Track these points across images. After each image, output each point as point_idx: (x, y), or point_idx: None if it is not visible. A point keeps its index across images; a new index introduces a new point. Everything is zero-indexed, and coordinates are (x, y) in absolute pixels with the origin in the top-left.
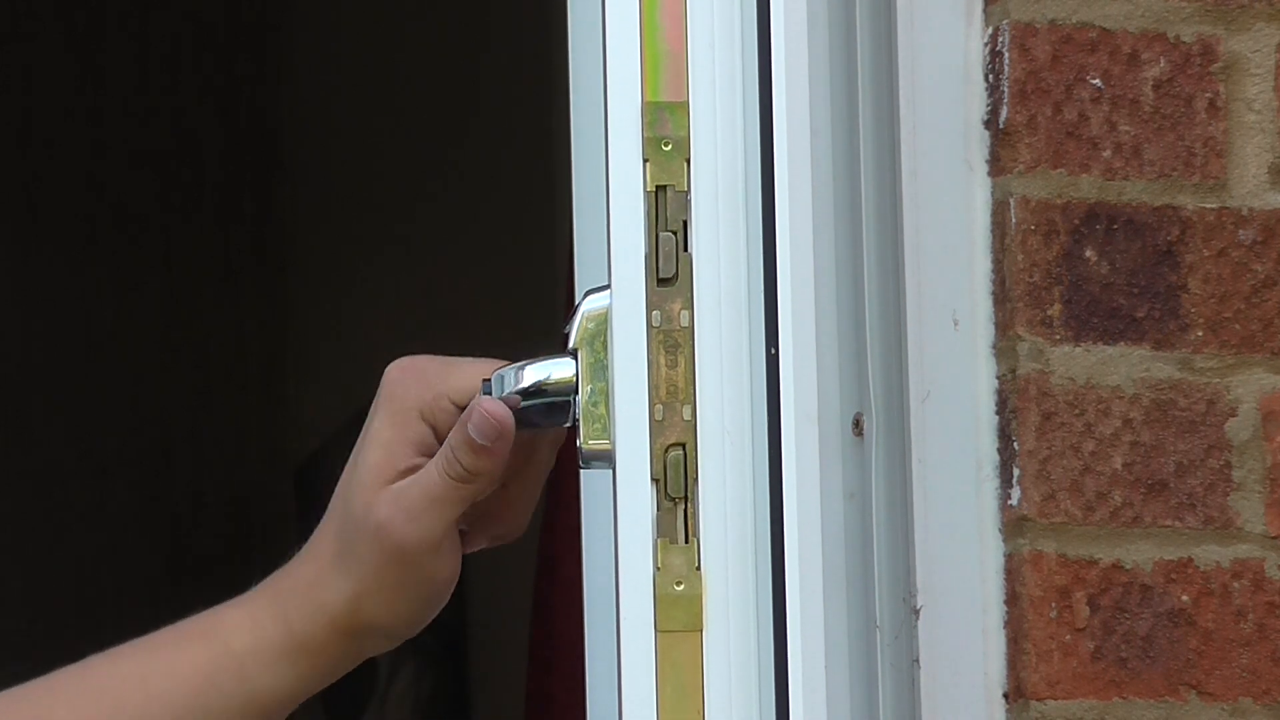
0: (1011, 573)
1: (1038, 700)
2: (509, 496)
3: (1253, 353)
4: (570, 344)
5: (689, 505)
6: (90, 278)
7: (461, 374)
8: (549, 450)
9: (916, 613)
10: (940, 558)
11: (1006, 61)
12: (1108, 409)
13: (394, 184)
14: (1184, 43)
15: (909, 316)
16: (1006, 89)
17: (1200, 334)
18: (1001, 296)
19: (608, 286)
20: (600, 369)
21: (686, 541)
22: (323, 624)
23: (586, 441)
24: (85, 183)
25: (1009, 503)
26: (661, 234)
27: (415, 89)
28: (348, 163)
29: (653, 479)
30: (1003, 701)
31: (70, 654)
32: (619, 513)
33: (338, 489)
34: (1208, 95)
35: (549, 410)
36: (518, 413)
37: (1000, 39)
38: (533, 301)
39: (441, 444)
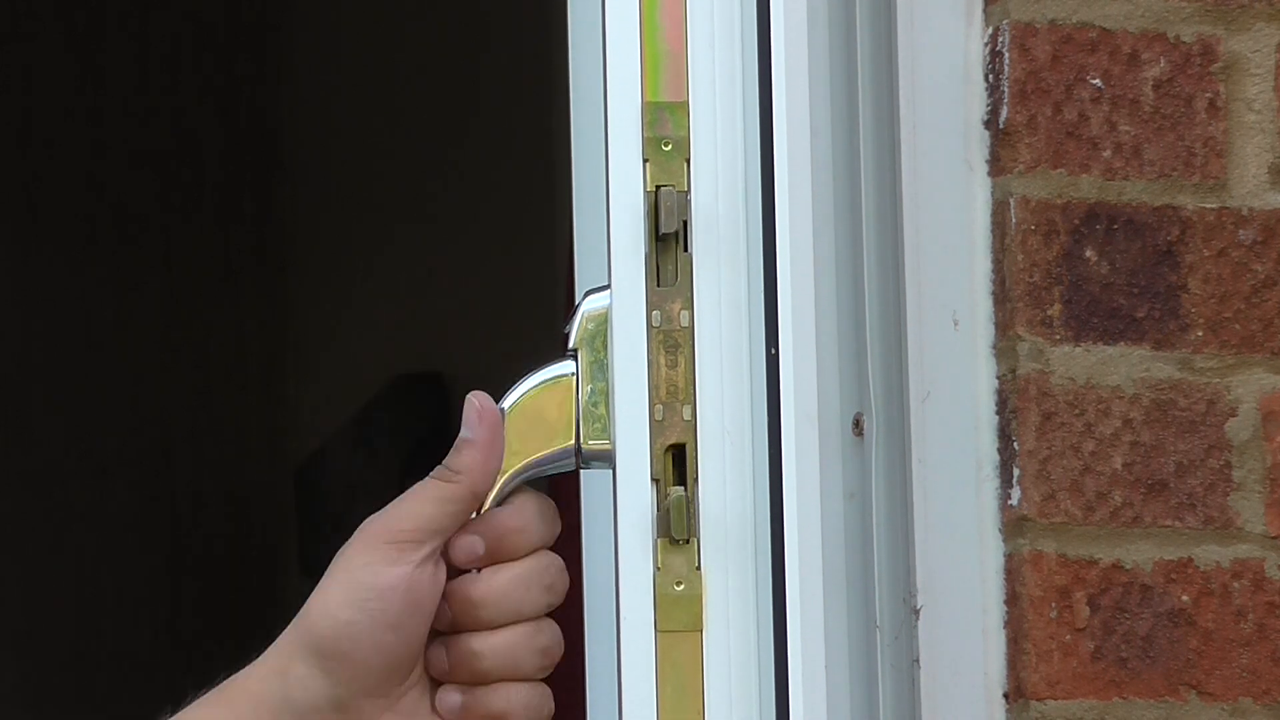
0: (1011, 573)
1: (1038, 700)
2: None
3: (1253, 353)
4: (570, 344)
5: (689, 505)
6: (90, 278)
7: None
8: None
9: (916, 613)
10: (940, 558)
11: (1006, 61)
12: (1108, 409)
13: (394, 184)
14: (1184, 43)
15: (909, 316)
16: (1006, 89)
17: (1200, 334)
18: (1001, 296)
19: (608, 286)
20: (600, 369)
21: (687, 541)
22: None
23: (586, 441)
24: (85, 183)
25: (1009, 503)
26: (661, 234)
27: (415, 89)
28: (348, 163)
29: (653, 479)
30: (1003, 701)
31: (70, 654)
32: (619, 513)
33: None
34: (1208, 95)
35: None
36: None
37: (1000, 39)
38: (533, 301)
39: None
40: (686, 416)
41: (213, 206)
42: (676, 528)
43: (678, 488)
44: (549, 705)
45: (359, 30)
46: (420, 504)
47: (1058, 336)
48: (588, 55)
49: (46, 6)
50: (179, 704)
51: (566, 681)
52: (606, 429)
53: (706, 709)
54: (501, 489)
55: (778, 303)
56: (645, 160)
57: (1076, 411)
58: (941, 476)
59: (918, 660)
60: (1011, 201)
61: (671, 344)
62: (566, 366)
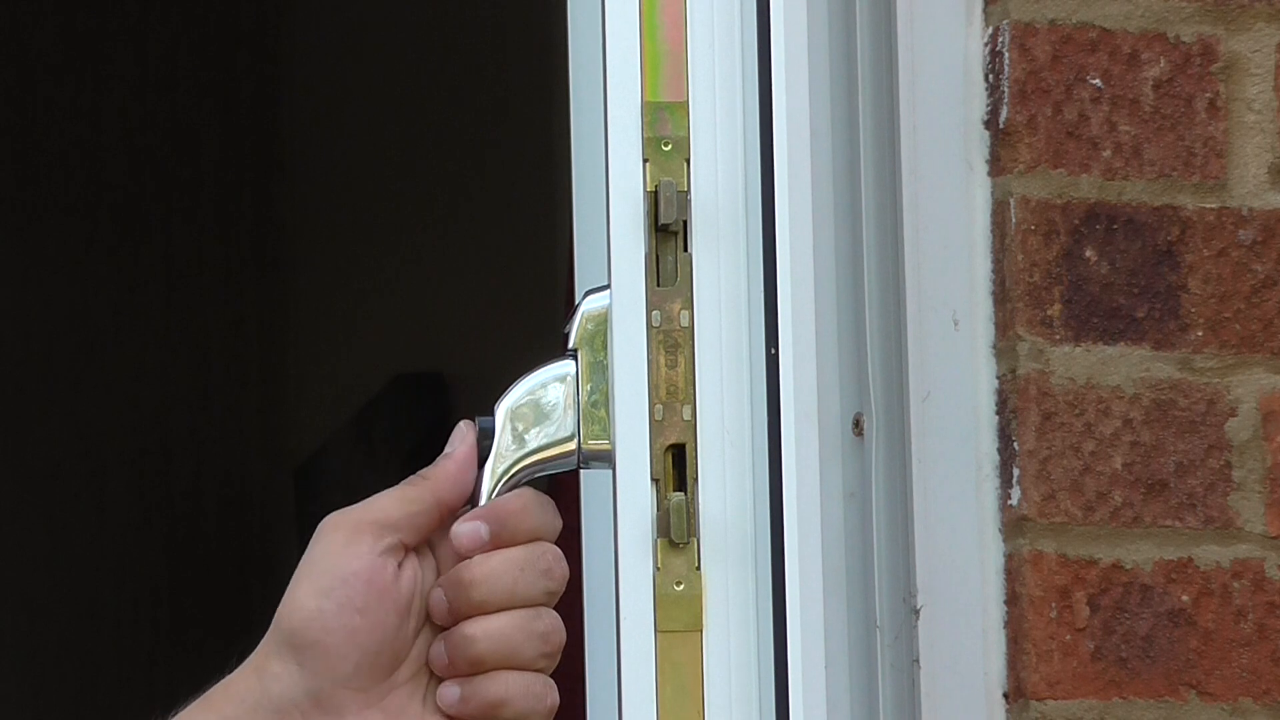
0: (1011, 573)
1: (1038, 700)
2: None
3: (1253, 353)
4: (570, 344)
5: (689, 505)
6: (90, 278)
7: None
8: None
9: (916, 613)
10: (940, 558)
11: (1006, 61)
12: (1108, 409)
13: (394, 184)
14: (1184, 43)
15: (909, 316)
16: (1006, 89)
17: (1200, 334)
18: (1001, 296)
19: (608, 286)
20: (600, 369)
21: (686, 541)
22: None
23: (586, 441)
24: (85, 183)
25: (1009, 503)
26: (661, 234)
27: (415, 89)
28: (348, 163)
29: (653, 479)
30: (1003, 701)
31: (70, 654)
32: (619, 513)
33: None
34: (1208, 95)
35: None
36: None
37: (1000, 39)
38: (533, 301)
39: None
40: (686, 416)
41: (213, 206)
42: (676, 531)
43: (678, 493)
44: (552, 695)
45: (359, 31)
46: (382, 500)
47: (1058, 336)
48: (588, 55)
49: (47, 6)
50: (175, 705)
51: (566, 681)
52: (606, 429)
53: (706, 709)
54: (501, 489)
55: (778, 303)
56: (645, 160)
57: (1076, 411)
58: (941, 476)
59: (918, 660)
60: (1011, 201)
61: (671, 344)
62: (566, 366)
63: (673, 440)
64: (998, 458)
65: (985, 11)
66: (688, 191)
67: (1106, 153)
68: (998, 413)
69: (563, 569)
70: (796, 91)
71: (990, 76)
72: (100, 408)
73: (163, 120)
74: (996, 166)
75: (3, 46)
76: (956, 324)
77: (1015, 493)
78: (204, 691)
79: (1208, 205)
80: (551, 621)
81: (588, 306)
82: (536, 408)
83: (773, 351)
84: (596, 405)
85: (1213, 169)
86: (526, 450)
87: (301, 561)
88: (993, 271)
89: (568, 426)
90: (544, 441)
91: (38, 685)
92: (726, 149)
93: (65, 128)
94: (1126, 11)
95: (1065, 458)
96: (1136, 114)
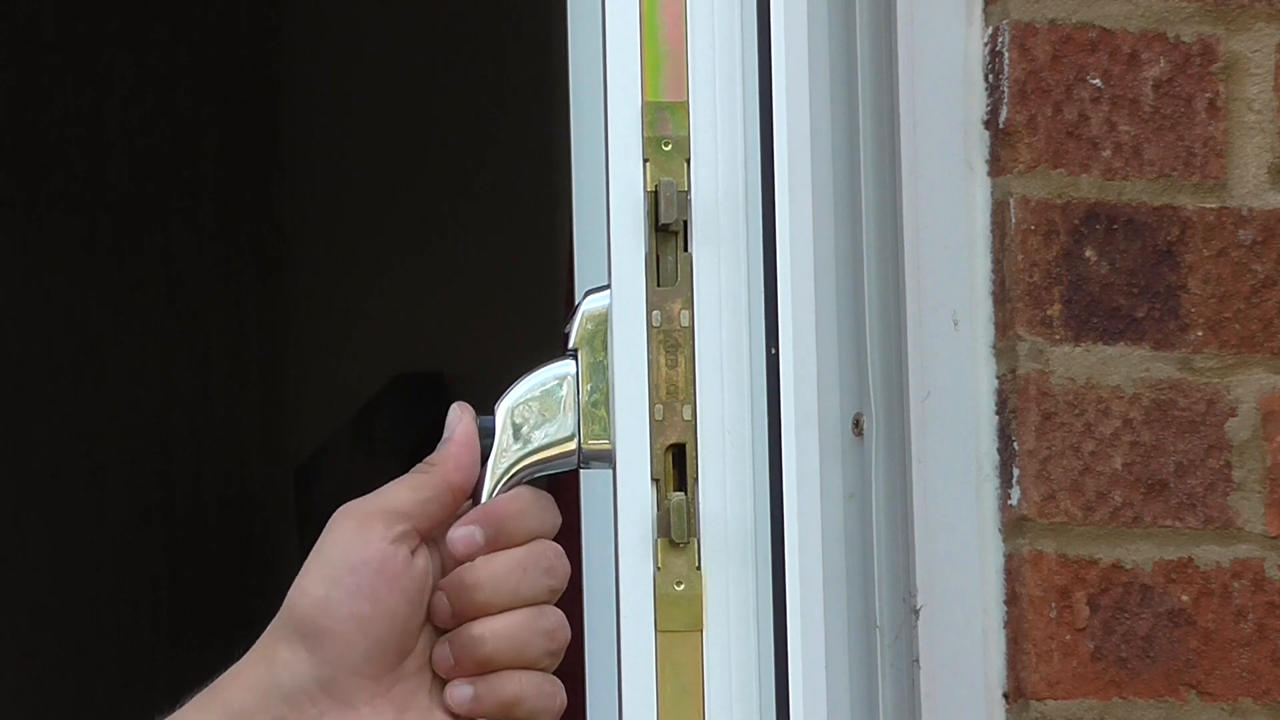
0: (1011, 573)
1: (1038, 700)
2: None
3: (1253, 353)
4: (570, 344)
5: (689, 505)
6: (90, 278)
7: (396, 488)
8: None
9: (916, 613)
10: (940, 558)
11: (1006, 61)
12: (1108, 409)
13: (394, 184)
14: (1184, 43)
15: (909, 316)
16: (1006, 89)
17: (1200, 334)
18: (1001, 296)
19: (608, 286)
20: (600, 369)
21: (687, 541)
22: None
23: (587, 441)
24: (85, 183)
25: (1009, 503)
26: (662, 234)
27: (415, 89)
28: (348, 163)
29: (653, 479)
30: (1003, 701)
31: (70, 654)
32: (619, 513)
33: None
34: (1208, 95)
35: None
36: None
37: (1000, 39)
38: (533, 301)
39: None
40: (686, 416)
41: (213, 206)
42: (677, 531)
43: (678, 493)
44: (561, 695)
45: (358, 31)
46: (393, 489)
47: (1058, 336)
48: (588, 55)
49: (47, 7)
50: (175, 705)
51: (567, 681)
52: (606, 429)
53: (706, 709)
54: (501, 488)
55: (778, 302)
56: (645, 160)
57: (1076, 411)
58: (941, 476)
59: (918, 660)
60: (1011, 201)
61: (671, 344)
62: (566, 366)
63: (673, 440)
64: (998, 458)
65: (985, 11)
66: (688, 191)
67: (1106, 153)
68: (998, 413)
69: (564, 566)
70: (797, 91)
71: (990, 76)
72: (100, 408)
73: (163, 120)
74: (996, 166)
75: (3, 46)
76: (956, 324)
77: (1015, 493)
78: (210, 682)
79: (1208, 205)
80: (556, 619)
81: (588, 306)
82: (537, 408)
83: (773, 351)
84: (597, 405)
85: (1213, 169)
86: (527, 450)
87: (313, 550)
88: (993, 271)
89: (568, 426)
90: (544, 441)
91: (38, 685)
92: (727, 149)
93: (65, 128)
94: (1126, 11)
95: (1065, 458)
96: (1136, 114)
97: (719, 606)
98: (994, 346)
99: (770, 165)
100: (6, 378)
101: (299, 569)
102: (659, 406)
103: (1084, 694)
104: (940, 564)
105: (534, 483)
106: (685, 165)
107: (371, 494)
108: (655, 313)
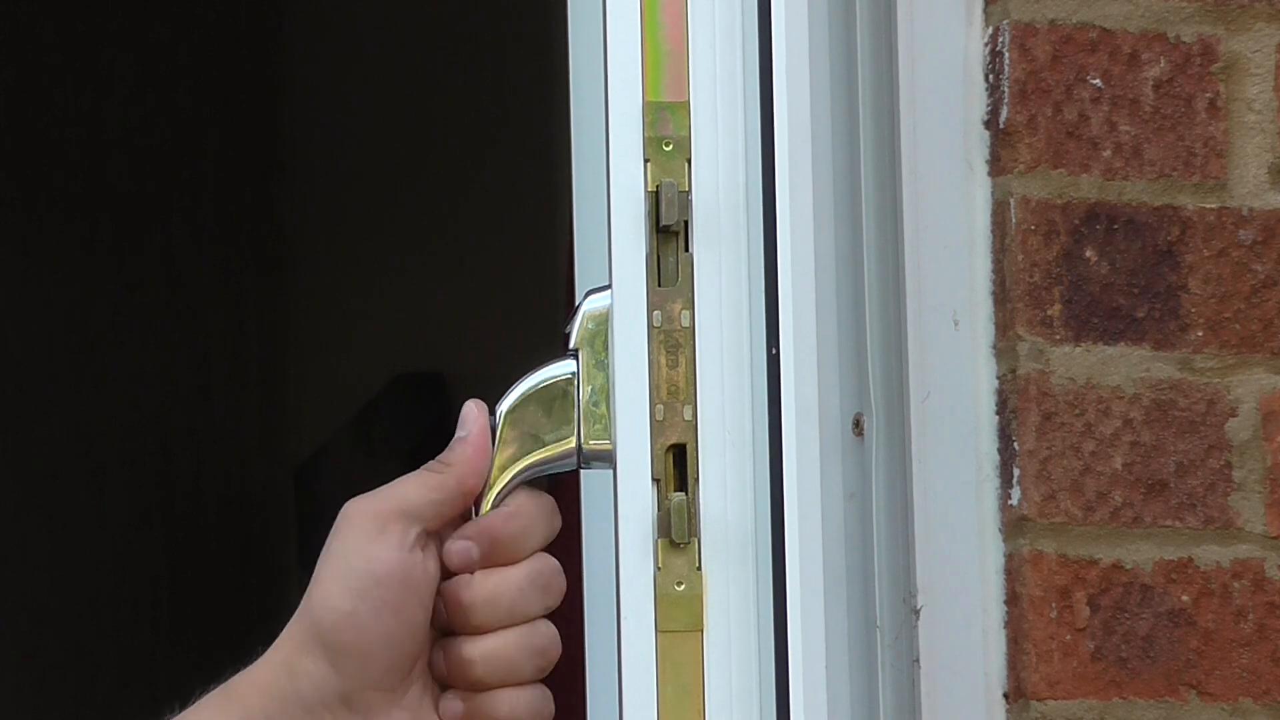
0: (1011, 573)
1: (1038, 700)
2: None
3: (1253, 353)
4: (571, 344)
5: (690, 505)
6: (90, 278)
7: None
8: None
9: (916, 613)
10: (940, 558)
11: (1006, 61)
12: (1108, 409)
13: (394, 184)
14: (1184, 43)
15: (909, 316)
16: (1006, 89)
17: (1200, 334)
18: (1001, 296)
19: (608, 286)
20: (601, 369)
21: (687, 541)
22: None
23: (587, 441)
24: (85, 183)
25: (1009, 503)
26: (662, 234)
27: (415, 88)
28: (348, 163)
29: (653, 479)
30: (1003, 701)
31: (70, 654)
32: (619, 513)
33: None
34: (1208, 95)
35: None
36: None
37: (1000, 39)
38: (533, 301)
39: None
40: (687, 416)
41: (213, 206)
42: (677, 531)
43: (679, 493)
44: (549, 707)
45: (358, 30)
46: (404, 487)
47: (1058, 336)
48: (588, 55)
49: (47, 6)
50: (180, 704)
51: (566, 681)
52: (607, 429)
53: (707, 709)
54: (502, 489)
55: (778, 303)
56: (646, 160)
57: (1076, 411)
58: (941, 476)
59: (918, 660)
60: (1011, 201)
61: (672, 344)
62: (567, 366)
63: (673, 440)
64: (998, 458)
65: (985, 11)
66: (689, 191)
67: (1106, 153)
68: (998, 413)
69: (561, 583)
70: (797, 91)
71: (990, 76)
72: (100, 408)
73: (163, 120)
74: (996, 166)
75: (3, 46)
76: (956, 324)
77: (1015, 493)
78: (219, 683)
79: (1208, 205)
80: (548, 634)
81: (589, 306)
82: (537, 408)
83: (773, 351)
84: (597, 405)
85: (1213, 169)
86: (527, 450)
87: (327, 551)
88: (993, 271)
89: (569, 427)
90: (545, 441)
91: (38, 685)
92: (727, 149)
93: (65, 128)
94: (1126, 11)
95: (1065, 458)
96: (1136, 114)
97: (719, 606)
98: (994, 346)
99: (771, 165)
100: (6, 378)
101: (299, 569)
102: (659, 406)
103: (1084, 694)
104: (940, 564)
105: (535, 483)
106: (686, 165)
107: (382, 490)
108: (656, 313)
